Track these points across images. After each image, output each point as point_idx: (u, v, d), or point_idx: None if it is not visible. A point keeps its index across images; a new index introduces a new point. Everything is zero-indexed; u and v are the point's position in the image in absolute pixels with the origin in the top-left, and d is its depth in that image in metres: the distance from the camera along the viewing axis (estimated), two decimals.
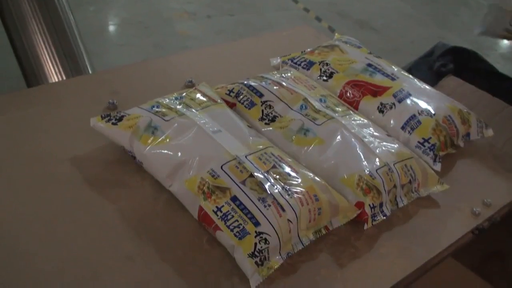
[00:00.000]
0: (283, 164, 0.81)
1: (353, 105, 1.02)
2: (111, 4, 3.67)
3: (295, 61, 1.11)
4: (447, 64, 2.08)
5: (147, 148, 0.82)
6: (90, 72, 1.45)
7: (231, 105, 0.95)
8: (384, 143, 0.91)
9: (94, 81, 1.05)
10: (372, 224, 0.83)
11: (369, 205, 0.82)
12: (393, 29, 3.96)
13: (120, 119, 0.87)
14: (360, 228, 0.84)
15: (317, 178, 0.81)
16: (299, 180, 0.79)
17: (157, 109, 0.87)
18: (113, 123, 0.86)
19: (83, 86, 1.01)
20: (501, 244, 1.14)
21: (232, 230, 0.73)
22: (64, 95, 0.98)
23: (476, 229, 0.91)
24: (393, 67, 1.10)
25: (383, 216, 0.84)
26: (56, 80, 1.38)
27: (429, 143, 0.97)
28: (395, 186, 0.86)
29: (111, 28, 3.45)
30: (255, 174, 0.77)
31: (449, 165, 1.01)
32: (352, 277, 0.77)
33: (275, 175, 0.78)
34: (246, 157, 0.80)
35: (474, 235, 0.91)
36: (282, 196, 0.76)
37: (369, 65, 1.07)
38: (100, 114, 0.86)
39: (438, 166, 0.96)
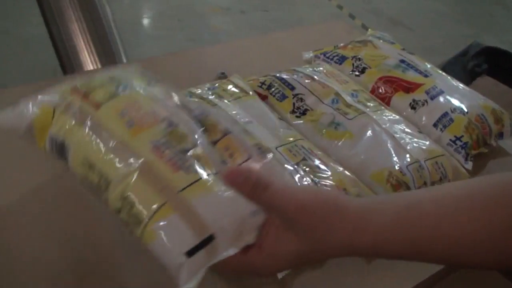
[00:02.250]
0: (313, 157, 0.81)
1: (385, 101, 1.02)
2: None
3: (327, 55, 1.11)
4: (482, 64, 2.05)
5: None
6: (125, 61, 1.47)
7: (263, 98, 0.95)
8: (416, 139, 0.90)
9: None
10: None
11: None
12: (427, 28, 3.92)
13: None
14: None
15: (346, 172, 0.81)
16: (329, 174, 0.79)
17: (189, 99, 0.88)
18: None
19: None
20: None
21: None
22: None
23: None
24: (427, 64, 1.09)
25: None
26: (91, 68, 1.40)
27: (461, 141, 0.96)
28: (425, 183, 0.85)
29: (145, 21, 3.49)
30: (285, 166, 0.78)
31: (480, 164, 1.00)
32: (381, 272, 0.77)
33: (305, 167, 0.78)
34: (276, 148, 0.80)
35: None
36: None
37: (402, 61, 1.07)
38: None
39: (469, 165, 0.95)
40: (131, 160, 0.57)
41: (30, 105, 0.65)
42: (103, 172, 0.59)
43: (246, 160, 0.60)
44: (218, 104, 0.87)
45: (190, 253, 0.53)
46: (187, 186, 0.56)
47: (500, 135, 1.03)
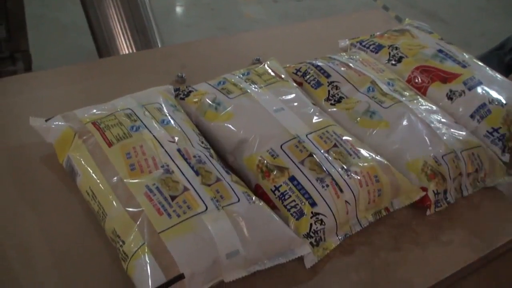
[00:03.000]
0: (344, 143, 0.80)
1: (421, 90, 1.00)
2: None
3: (363, 43, 1.09)
4: None
5: (211, 124, 0.83)
6: (160, 46, 1.48)
7: (298, 84, 0.95)
8: (452, 130, 0.89)
9: (164, 54, 1.07)
10: (434, 210, 0.81)
11: (433, 191, 0.80)
12: (463, 21, 3.84)
13: (188, 94, 0.88)
14: (422, 214, 0.83)
15: (378, 158, 0.80)
16: (360, 160, 0.78)
17: (223, 85, 0.88)
18: (181, 98, 0.88)
19: (153, 59, 1.03)
20: None
21: (289, 210, 0.73)
22: (135, 67, 1.00)
23: None
24: (465, 54, 1.07)
25: (447, 204, 0.82)
26: (126, 52, 1.41)
27: (498, 133, 0.94)
28: (460, 174, 0.84)
29: (178, 9, 3.50)
30: (315, 154, 0.77)
31: None
32: (411, 261, 0.76)
33: (335, 154, 0.78)
34: (307, 136, 0.80)
35: None
36: (341, 176, 0.75)
37: (440, 51, 1.05)
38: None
39: (506, 157, 0.93)
40: (126, 201, 0.67)
41: (58, 123, 0.77)
42: (101, 205, 0.69)
43: (235, 203, 0.68)
44: (249, 91, 0.86)
45: None
46: (166, 229, 0.64)
47: None
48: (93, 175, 0.71)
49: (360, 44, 1.09)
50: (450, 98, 0.97)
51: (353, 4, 3.85)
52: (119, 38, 1.39)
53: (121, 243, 0.65)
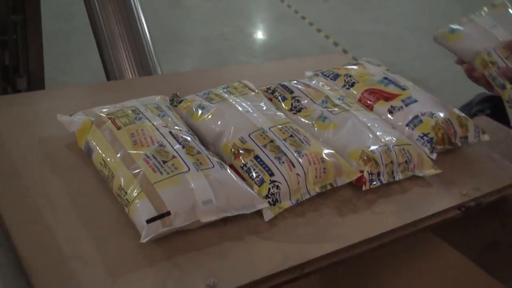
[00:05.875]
0: (299, 135, 1.04)
1: (369, 107, 1.24)
2: None
3: (324, 73, 1.35)
4: (485, 110, 2.24)
5: (197, 122, 1.07)
6: (159, 73, 1.77)
7: (268, 99, 1.19)
8: (388, 131, 1.13)
9: (162, 80, 1.33)
10: (369, 186, 1.03)
11: (368, 171, 1.03)
12: (449, 88, 4.13)
13: (180, 102, 1.13)
14: (361, 193, 1.04)
15: (325, 147, 1.03)
16: (310, 147, 1.02)
17: (207, 95, 1.13)
18: (174, 105, 1.12)
19: (153, 82, 1.29)
20: (496, 235, 1.30)
21: (253, 180, 0.96)
22: (138, 87, 1.26)
23: (463, 206, 1.09)
24: (407, 81, 1.32)
25: (379, 182, 1.05)
26: (130, 77, 1.69)
27: (427, 137, 1.17)
28: (392, 162, 1.07)
29: None
30: (274, 140, 1.01)
31: (446, 158, 1.20)
32: (349, 223, 0.98)
33: (290, 142, 1.01)
34: (269, 128, 1.04)
35: (461, 212, 1.09)
36: (294, 156, 0.98)
37: (385, 78, 1.30)
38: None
39: (434, 156, 1.16)
40: (129, 165, 0.90)
41: (79, 117, 1.01)
42: (111, 169, 0.91)
43: (211, 168, 0.92)
44: (227, 98, 1.11)
45: (149, 221, 0.82)
46: (159, 181, 0.87)
47: (465, 137, 1.24)
48: (105, 149, 0.95)
49: (322, 74, 1.35)
50: (391, 112, 1.22)
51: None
52: (127, 74, 1.68)
53: (124, 193, 0.87)
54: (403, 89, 1.27)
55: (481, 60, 1.23)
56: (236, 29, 4.94)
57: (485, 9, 1.32)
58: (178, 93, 1.18)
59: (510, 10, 1.33)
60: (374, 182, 1.04)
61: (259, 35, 5.17)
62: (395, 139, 1.11)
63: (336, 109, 1.15)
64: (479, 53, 1.23)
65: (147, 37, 1.73)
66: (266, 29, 5.38)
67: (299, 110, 1.17)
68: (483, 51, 1.22)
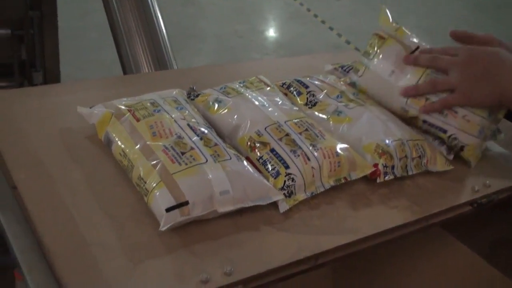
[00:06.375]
0: (314, 130, 1.06)
1: None
2: None
3: (344, 68, 1.34)
4: None
5: (214, 116, 1.09)
6: (175, 68, 1.79)
7: (284, 94, 1.21)
8: (402, 127, 1.14)
9: (178, 74, 1.35)
10: (384, 179, 1.05)
11: (382, 164, 1.04)
12: None
13: (197, 96, 1.15)
14: (374, 187, 1.06)
15: (339, 142, 1.05)
16: (325, 141, 1.03)
17: (224, 89, 1.15)
18: (191, 99, 1.14)
19: (170, 76, 1.31)
20: (507, 232, 1.31)
21: (269, 172, 0.98)
22: (155, 81, 1.28)
23: (475, 202, 1.11)
24: None
25: (393, 176, 1.06)
26: (146, 71, 1.72)
27: (441, 138, 1.18)
28: (406, 157, 1.08)
29: None
30: (290, 134, 1.02)
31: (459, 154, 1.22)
32: (362, 216, 1.00)
33: (305, 135, 1.03)
34: (285, 122, 1.06)
35: (473, 208, 1.10)
36: (309, 150, 1.00)
37: None
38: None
39: (451, 157, 1.17)
40: (148, 156, 0.92)
41: (99, 109, 1.04)
42: (130, 160, 0.93)
43: (228, 159, 0.94)
44: (243, 92, 1.13)
45: (168, 210, 0.84)
46: (177, 172, 0.89)
47: None
48: (125, 140, 0.97)
49: (342, 68, 1.35)
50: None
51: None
52: (143, 68, 1.70)
53: (144, 183, 0.89)
54: None
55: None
56: (249, 27, 4.98)
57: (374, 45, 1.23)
58: (194, 87, 1.20)
59: (405, 36, 1.24)
60: (388, 175, 1.05)
61: (272, 32, 5.21)
62: (409, 134, 1.13)
63: (351, 103, 1.17)
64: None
65: (163, 32, 1.76)
66: (279, 27, 5.42)
67: (314, 105, 1.18)
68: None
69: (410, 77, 1.18)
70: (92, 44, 3.93)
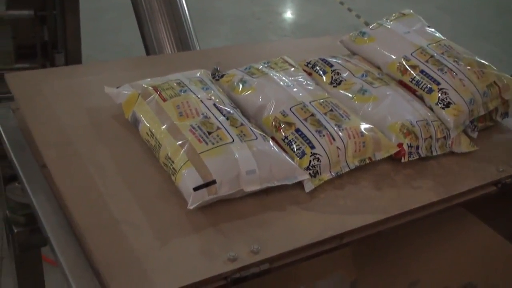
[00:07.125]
0: (339, 110, 1.05)
1: None
2: None
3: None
4: None
5: (239, 96, 1.10)
6: (198, 49, 1.80)
7: (308, 74, 1.20)
8: (426, 108, 1.14)
9: (202, 54, 1.35)
10: (408, 159, 1.04)
11: (407, 144, 1.04)
12: None
13: (222, 76, 1.15)
14: (399, 168, 1.06)
15: (364, 122, 1.05)
16: (350, 122, 1.03)
17: (249, 70, 1.15)
18: (216, 79, 1.15)
19: (193, 57, 1.31)
20: None
21: (294, 152, 0.98)
22: (179, 62, 1.28)
23: (499, 182, 1.10)
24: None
25: (418, 156, 1.06)
26: (169, 52, 1.72)
27: None
28: (431, 137, 1.08)
29: None
30: (315, 114, 1.03)
31: (483, 134, 1.21)
32: (387, 196, 1.00)
33: (330, 116, 1.03)
34: (310, 102, 1.06)
35: (497, 188, 1.10)
36: (334, 130, 1.00)
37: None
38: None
39: (475, 134, 1.17)
40: (175, 135, 0.92)
41: (126, 89, 1.04)
42: (158, 140, 0.95)
43: (254, 139, 0.94)
44: (268, 73, 1.13)
45: (196, 189, 0.85)
46: (204, 151, 0.89)
47: (506, 114, 1.24)
48: (152, 120, 0.97)
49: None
50: None
51: None
52: (166, 49, 1.71)
53: (171, 162, 0.90)
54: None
55: (397, 66, 1.22)
56: (267, 8, 4.96)
57: (394, 16, 1.35)
58: (218, 68, 1.20)
59: (420, 18, 1.36)
60: (413, 155, 1.05)
61: (289, 14, 5.18)
62: (434, 115, 1.12)
63: (376, 82, 1.16)
64: (393, 60, 1.23)
65: (186, 13, 1.76)
66: (297, 8, 5.39)
67: (339, 83, 1.18)
68: (398, 57, 1.23)
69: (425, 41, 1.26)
70: (110, 25, 3.94)
